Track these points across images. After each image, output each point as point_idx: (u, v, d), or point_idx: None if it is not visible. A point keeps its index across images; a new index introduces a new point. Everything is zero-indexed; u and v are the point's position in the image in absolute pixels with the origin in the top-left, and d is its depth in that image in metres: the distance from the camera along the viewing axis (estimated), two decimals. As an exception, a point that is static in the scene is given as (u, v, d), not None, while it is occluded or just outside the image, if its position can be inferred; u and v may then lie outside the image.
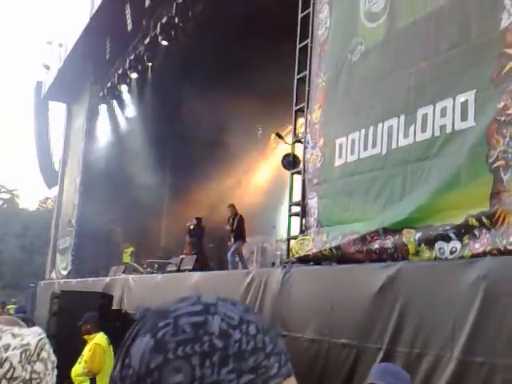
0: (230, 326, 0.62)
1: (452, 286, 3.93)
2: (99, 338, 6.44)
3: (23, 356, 1.05)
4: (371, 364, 4.38)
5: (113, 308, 9.39)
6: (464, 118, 4.46)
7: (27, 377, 1.05)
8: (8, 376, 1.03)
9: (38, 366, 1.07)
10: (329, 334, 5.02)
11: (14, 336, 1.07)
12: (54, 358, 1.13)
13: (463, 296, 3.78)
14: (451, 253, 4.28)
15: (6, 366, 1.03)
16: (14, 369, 1.04)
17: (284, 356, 0.65)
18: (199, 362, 0.59)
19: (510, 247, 3.78)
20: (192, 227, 12.95)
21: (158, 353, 0.60)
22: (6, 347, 1.04)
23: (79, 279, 13.69)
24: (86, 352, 6.32)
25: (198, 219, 13.06)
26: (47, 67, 19.93)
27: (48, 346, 1.12)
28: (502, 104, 4.08)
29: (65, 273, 16.67)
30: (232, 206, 11.48)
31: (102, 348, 6.31)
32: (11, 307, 14.65)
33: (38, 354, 1.08)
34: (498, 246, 3.86)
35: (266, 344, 0.63)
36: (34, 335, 1.10)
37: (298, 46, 7.37)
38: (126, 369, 0.62)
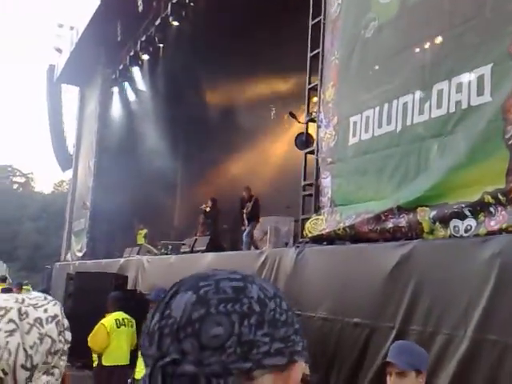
0: (266, 296, 0.67)
1: (466, 264, 3.88)
2: (107, 318, 6.60)
3: (58, 328, 1.05)
4: (384, 343, 4.37)
5: (127, 289, 9.47)
6: (480, 93, 4.36)
7: (65, 348, 1.05)
8: (52, 351, 1.02)
9: (68, 335, 1.08)
10: (342, 314, 5.01)
11: (35, 307, 1.05)
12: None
13: (477, 274, 3.73)
14: (466, 231, 4.22)
15: (48, 341, 1.02)
16: (55, 342, 1.03)
17: (304, 341, 0.71)
18: (238, 319, 0.64)
19: (526, 224, 3.71)
20: (208, 209, 12.94)
21: (201, 306, 0.64)
22: (39, 321, 1.02)
23: (94, 260, 13.83)
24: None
25: (214, 200, 13.04)
26: (59, 50, 19.94)
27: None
28: (520, 78, 3.97)
29: (80, 254, 16.87)
30: (248, 189, 11.48)
31: (105, 328, 6.44)
32: (27, 288, 14.85)
33: (64, 324, 1.07)
34: (514, 223, 3.79)
35: (294, 321, 0.69)
36: (53, 304, 1.08)
37: (311, 23, 7.25)
38: (165, 319, 0.65)
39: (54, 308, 1.07)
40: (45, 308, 1.05)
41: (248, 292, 0.66)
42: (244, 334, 0.63)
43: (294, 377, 0.67)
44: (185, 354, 0.62)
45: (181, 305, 0.65)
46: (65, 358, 1.05)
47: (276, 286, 0.72)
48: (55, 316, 1.05)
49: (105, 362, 6.45)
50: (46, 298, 1.09)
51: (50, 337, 1.02)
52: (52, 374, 1.02)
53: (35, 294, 1.12)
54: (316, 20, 7.15)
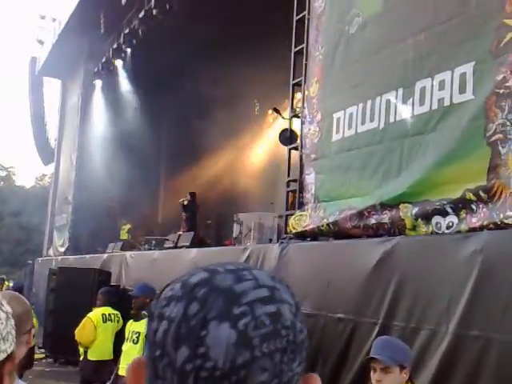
0: (292, 315, 0.60)
1: (448, 260, 3.92)
2: (94, 313, 6.64)
3: None
4: (367, 338, 4.41)
5: (111, 284, 9.42)
6: (462, 90, 4.40)
7: None
8: None
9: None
10: (325, 309, 5.04)
11: None
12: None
13: (459, 270, 3.77)
14: (448, 227, 4.26)
15: None
16: None
17: None
18: (280, 358, 0.57)
19: (506, 221, 3.76)
20: (186, 203, 12.92)
21: (244, 348, 0.55)
22: None
23: (77, 256, 13.72)
24: None
25: (192, 194, 13.03)
26: (41, 42, 19.67)
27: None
28: (501, 76, 4.01)
29: (62, 250, 16.71)
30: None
31: (92, 322, 6.46)
32: (7, 284, 14.69)
33: None
34: (495, 220, 3.84)
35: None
36: None
37: (295, 18, 7.24)
38: (201, 359, 0.55)
39: None
40: None
41: (283, 320, 0.59)
42: (284, 372, 0.57)
43: None
44: None
45: (220, 344, 0.55)
46: None
47: (282, 280, 0.64)
48: None
49: (90, 357, 6.46)
50: None
51: None
52: None
53: None
54: (300, 15, 7.14)
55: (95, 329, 6.41)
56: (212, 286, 0.59)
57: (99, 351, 6.47)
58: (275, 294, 0.60)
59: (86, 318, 6.50)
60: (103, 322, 6.53)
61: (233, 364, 0.55)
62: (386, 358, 2.74)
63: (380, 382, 2.74)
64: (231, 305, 0.57)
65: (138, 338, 5.67)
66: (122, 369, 5.81)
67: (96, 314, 6.58)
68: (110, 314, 6.63)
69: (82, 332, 6.38)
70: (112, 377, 6.41)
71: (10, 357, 1.06)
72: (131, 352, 5.66)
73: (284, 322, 0.58)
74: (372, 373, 2.79)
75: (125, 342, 5.90)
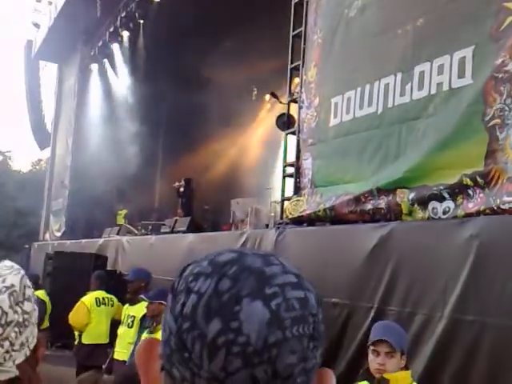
0: (317, 304, 0.61)
1: (444, 245, 3.92)
2: (87, 296, 6.63)
3: (12, 299, 1.01)
4: (362, 323, 4.42)
5: (107, 269, 9.42)
6: (461, 75, 4.36)
7: (20, 319, 1.02)
8: (2, 322, 0.99)
9: (27, 306, 1.04)
10: (321, 294, 5.03)
11: None
12: (33, 291, 1.10)
13: (455, 256, 3.77)
14: (444, 213, 4.25)
15: None
16: (7, 314, 1.00)
17: None
18: (306, 344, 0.58)
19: (503, 206, 3.75)
20: (182, 189, 12.90)
21: (277, 327, 0.56)
22: None
23: (73, 240, 13.71)
24: None
25: (187, 180, 13.01)
26: (37, 26, 19.44)
27: (28, 282, 1.08)
28: (500, 60, 3.97)
29: (58, 234, 16.69)
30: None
31: (86, 306, 6.47)
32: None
33: (24, 294, 1.04)
34: (492, 206, 3.83)
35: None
36: (14, 273, 1.05)
37: (294, 1, 7.16)
38: (234, 333, 0.55)
39: (14, 278, 1.04)
40: (3, 278, 1.02)
41: (311, 307, 0.60)
42: (309, 359, 0.58)
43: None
44: (256, 381, 0.55)
45: (254, 321, 0.55)
46: (23, 329, 1.02)
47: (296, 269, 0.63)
48: (10, 286, 1.02)
49: (84, 341, 6.47)
50: (11, 267, 1.06)
51: (0, 308, 0.99)
52: (1, 346, 0.99)
53: (6, 263, 1.09)
54: (299, -2, 7.06)
55: (89, 312, 6.42)
56: (243, 266, 0.59)
57: (93, 335, 6.48)
58: (301, 282, 0.61)
59: (79, 302, 6.50)
60: (97, 305, 6.53)
61: (265, 342, 0.55)
62: (393, 341, 2.73)
63: (383, 366, 2.73)
64: (263, 284, 0.57)
65: (132, 321, 5.68)
66: (117, 352, 5.83)
67: (89, 297, 6.58)
68: (103, 298, 6.63)
69: (75, 316, 6.39)
70: (107, 360, 6.44)
71: (39, 341, 1.08)
72: (126, 336, 5.68)
73: (311, 308, 0.60)
74: (373, 357, 2.78)
75: (120, 326, 5.92)
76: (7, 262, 1.10)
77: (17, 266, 1.08)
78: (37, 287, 7.61)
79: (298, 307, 0.58)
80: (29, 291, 1.06)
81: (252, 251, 0.62)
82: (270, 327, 0.55)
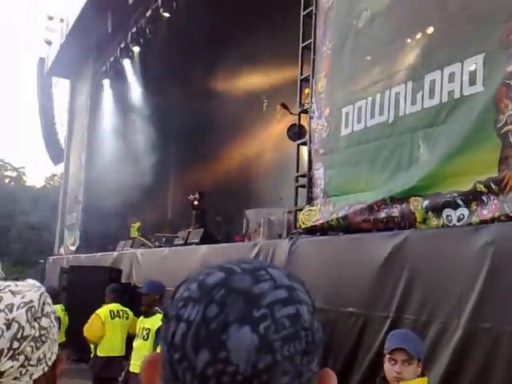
0: (310, 315, 0.60)
1: (459, 253, 3.90)
2: (101, 309, 6.67)
3: (29, 314, 1.03)
4: (378, 332, 4.40)
5: (122, 282, 9.47)
6: (472, 82, 4.36)
7: (36, 334, 1.04)
8: (18, 336, 1.01)
9: (45, 321, 1.06)
10: (336, 304, 5.03)
11: (14, 294, 1.04)
12: (53, 308, 1.12)
13: (470, 263, 3.75)
14: (459, 220, 4.24)
15: (15, 326, 1.01)
16: (23, 328, 1.02)
17: None
18: (300, 360, 0.57)
19: (518, 213, 3.74)
20: (196, 202, 12.95)
21: (266, 353, 0.55)
22: (10, 307, 1.02)
23: (87, 254, 13.79)
24: None
25: (201, 193, 13.06)
26: (49, 43, 19.74)
27: (49, 299, 1.11)
28: (511, 67, 3.98)
29: (73, 248, 16.80)
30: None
31: (100, 318, 6.51)
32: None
33: (43, 310, 1.06)
34: (506, 212, 3.82)
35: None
36: (34, 290, 1.08)
37: (303, 14, 7.23)
38: (222, 364, 0.55)
39: (33, 294, 1.06)
40: (23, 295, 1.05)
41: (303, 321, 0.58)
42: (304, 373, 0.57)
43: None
44: None
45: (242, 348, 0.55)
46: (40, 344, 1.05)
47: (298, 276, 0.63)
48: (29, 302, 1.04)
49: (99, 353, 6.51)
50: (33, 285, 1.09)
51: (17, 322, 1.01)
52: (17, 360, 1.01)
53: (29, 281, 1.12)
54: (308, 10, 7.13)
55: (103, 325, 6.45)
56: (230, 288, 0.58)
57: (108, 347, 6.51)
58: (293, 295, 0.59)
59: (93, 315, 6.54)
60: (111, 318, 6.56)
61: (254, 368, 0.54)
62: (411, 349, 2.73)
63: (400, 374, 2.72)
64: (251, 307, 0.57)
65: (148, 334, 5.70)
66: (133, 365, 5.84)
67: (104, 310, 6.62)
68: (118, 311, 6.66)
69: (90, 328, 6.43)
70: (123, 373, 6.45)
71: (59, 357, 1.09)
72: (141, 348, 5.69)
73: (303, 323, 0.58)
74: (390, 365, 2.77)
75: (135, 339, 5.93)
76: (30, 280, 1.13)
77: (38, 284, 1.11)
78: (54, 301, 7.67)
79: (289, 325, 0.57)
80: (48, 308, 1.08)
81: (241, 266, 0.61)
82: (258, 353, 0.55)
